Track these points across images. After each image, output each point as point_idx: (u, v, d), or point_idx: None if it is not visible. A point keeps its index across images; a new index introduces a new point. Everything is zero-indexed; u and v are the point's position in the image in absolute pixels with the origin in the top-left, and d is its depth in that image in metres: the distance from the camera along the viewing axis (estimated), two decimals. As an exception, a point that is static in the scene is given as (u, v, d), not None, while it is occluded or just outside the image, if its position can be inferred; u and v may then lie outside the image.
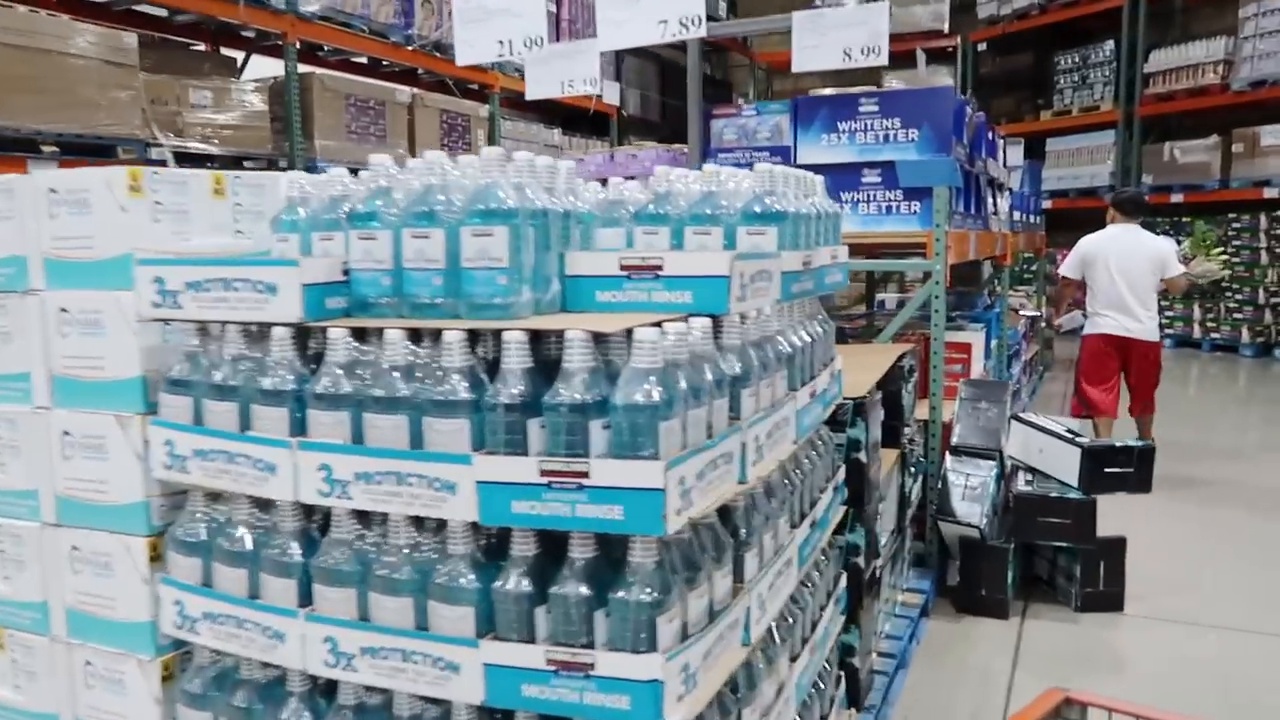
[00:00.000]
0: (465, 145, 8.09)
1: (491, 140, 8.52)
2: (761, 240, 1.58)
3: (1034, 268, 8.05)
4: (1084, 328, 5.42)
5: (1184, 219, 10.98)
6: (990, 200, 4.82)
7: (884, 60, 3.20)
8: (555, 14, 8.82)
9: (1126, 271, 5.16)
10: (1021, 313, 7.62)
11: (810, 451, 1.89)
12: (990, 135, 4.86)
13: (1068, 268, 5.46)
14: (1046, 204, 12.95)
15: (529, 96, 3.71)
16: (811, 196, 1.92)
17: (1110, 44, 12.03)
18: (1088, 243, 5.37)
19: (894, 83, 11.69)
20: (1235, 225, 10.38)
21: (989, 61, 13.56)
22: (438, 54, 7.87)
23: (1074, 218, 13.35)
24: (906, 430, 3.00)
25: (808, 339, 1.77)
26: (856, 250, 4.44)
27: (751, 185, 1.67)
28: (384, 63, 7.90)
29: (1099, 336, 5.26)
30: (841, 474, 2.18)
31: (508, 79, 8.88)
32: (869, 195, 3.37)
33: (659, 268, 1.33)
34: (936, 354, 3.28)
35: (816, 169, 3.59)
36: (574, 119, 10.71)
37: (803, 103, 3.46)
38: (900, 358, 2.90)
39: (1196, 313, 10.70)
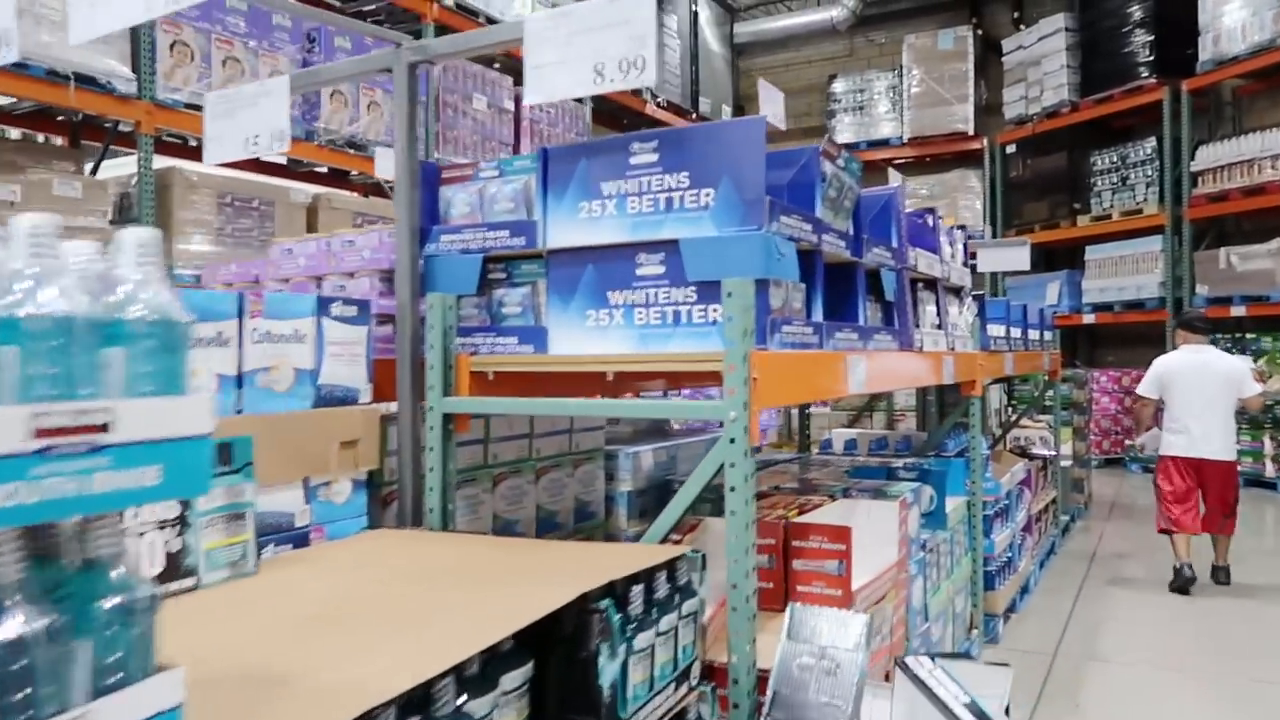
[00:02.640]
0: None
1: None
2: None
3: (1052, 393, 6.55)
4: (1161, 448, 5.47)
5: (1248, 335, 9.40)
6: (933, 310, 3.49)
7: (650, 80, 1.98)
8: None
9: (1202, 391, 5.27)
10: (1033, 450, 6.13)
11: None
12: (932, 223, 3.57)
13: (1144, 388, 5.59)
14: (1090, 318, 11.48)
15: (206, 160, 2.59)
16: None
17: (1151, 141, 10.72)
18: (1163, 363, 5.53)
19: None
20: (1309, 343, 8.78)
21: (1019, 164, 12.33)
22: (351, 151, 6.92)
23: (1121, 334, 11.83)
24: None
25: None
26: (642, 379, 3.22)
27: None
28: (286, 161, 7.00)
29: (1177, 458, 5.35)
30: None
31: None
32: (649, 295, 2.11)
33: None
34: (736, 555, 1.93)
35: (574, 257, 2.39)
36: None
37: (554, 155, 2.24)
38: (622, 585, 1.60)
39: (1268, 446, 8.99)
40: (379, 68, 2.53)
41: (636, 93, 10.32)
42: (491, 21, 7.93)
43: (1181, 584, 5.14)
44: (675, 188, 2.10)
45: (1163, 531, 5.36)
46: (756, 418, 1.92)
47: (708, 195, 2.06)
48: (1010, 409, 7.13)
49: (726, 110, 12.74)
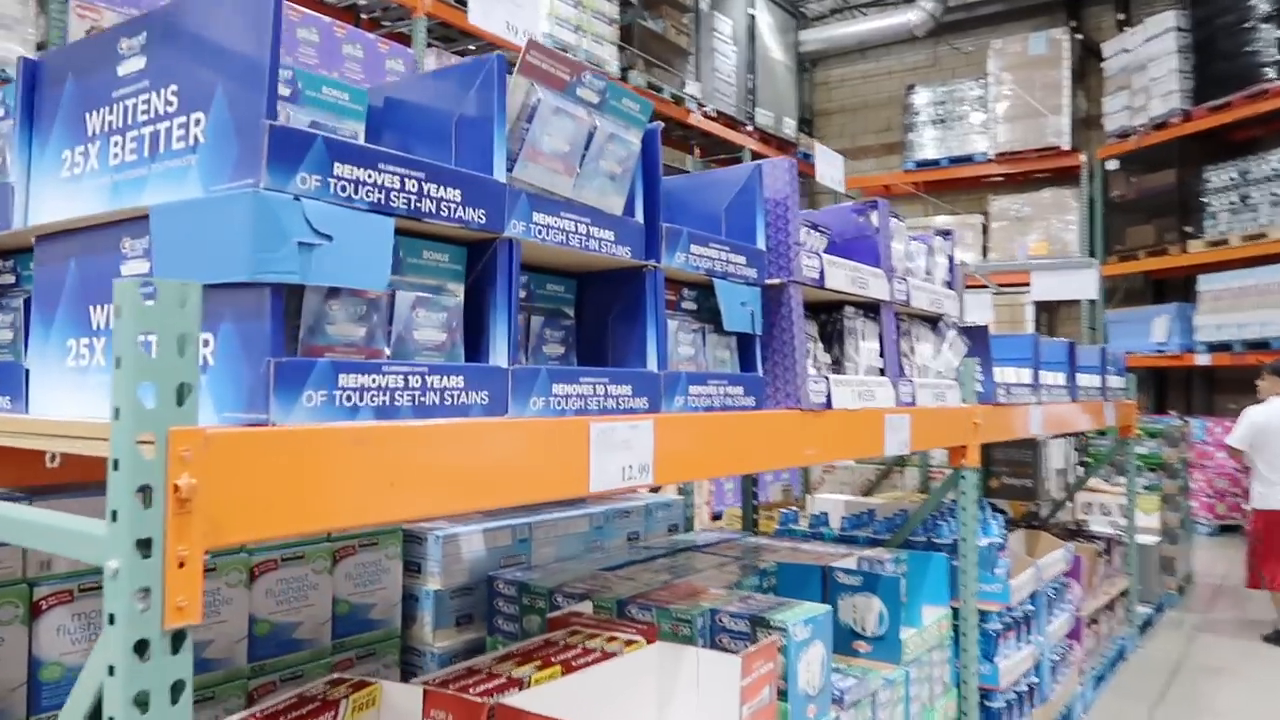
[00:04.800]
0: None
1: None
2: None
3: (1126, 452, 5.25)
4: (1254, 501, 5.41)
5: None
6: (872, 346, 2.40)
7: None
8: None
9: None
10: (1090, 528, 4.83)
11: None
12: (876, 222, 2.48)
13: (1237, 439, 5.53)
14: (1204, 359, 9.87)
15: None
16: None
17: (1278, 154, 9.14)
18: (1258, 412, 5.45)
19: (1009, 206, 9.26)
20: None
21: (1122, 183, 10.81)
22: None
23: (1243, 377, 10.12)
24: None
25: None
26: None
27: None
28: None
29: (1271, 511, 5.29)
30: None
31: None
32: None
33: None
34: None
35: (58, 247, 1.33)
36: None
37: (48, 67, 1.30)
38: None
39: None
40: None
41: (679, 100, 9.38)
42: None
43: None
44: (163, 115, 1.13)
45: (1253, 587, 5.44)
46: (193, 576, 0.92)
47: (197, 126, 1.09)
48: (1082, 470, 5.82)
49: (789, 123, 11.66)
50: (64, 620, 1.82)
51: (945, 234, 2.92)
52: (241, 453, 0.95)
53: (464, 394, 1.22)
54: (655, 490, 3.50)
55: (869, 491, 5.62)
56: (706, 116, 9.96)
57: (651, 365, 1.57)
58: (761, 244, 1.88)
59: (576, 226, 1.43)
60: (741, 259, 1.81)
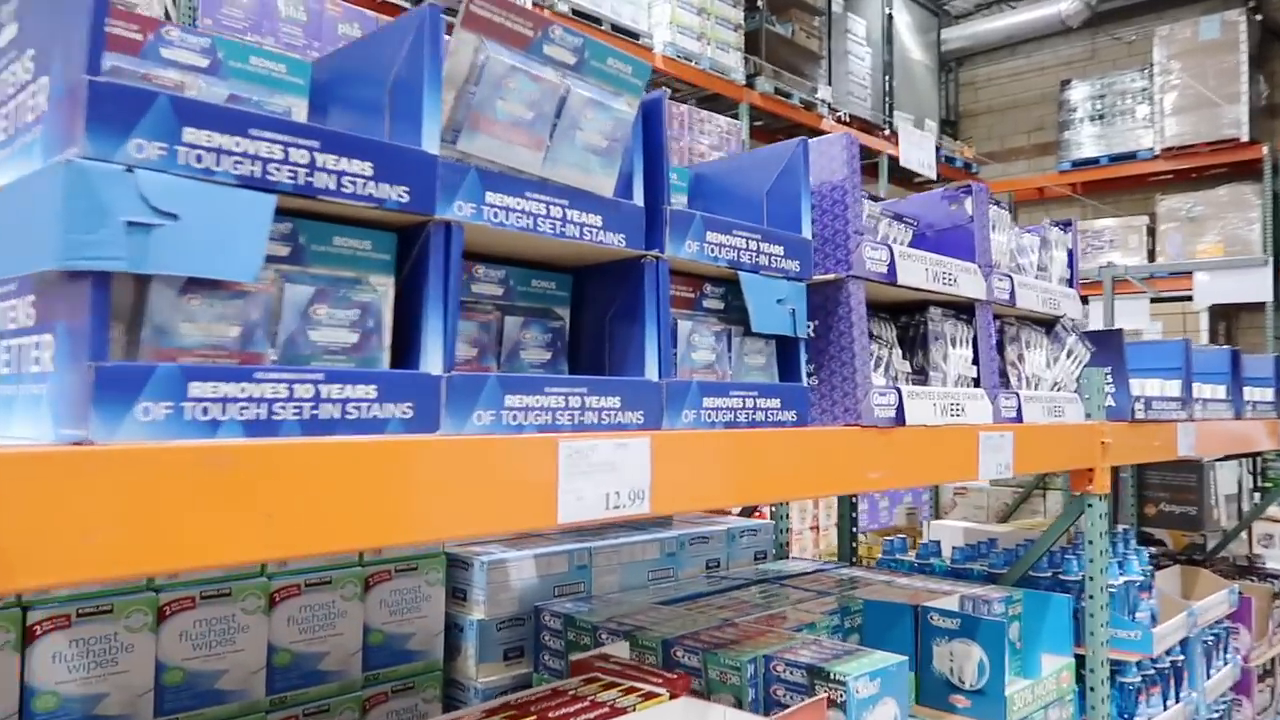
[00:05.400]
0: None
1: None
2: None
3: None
4: None
5: None
6: (962, 353, 2.07)
7: None
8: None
9: None
10: (1269, 564, 4.21)
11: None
12: (971, 210, 2.14)
13: None
14: None
15: None
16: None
17: None
18: None
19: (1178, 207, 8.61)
20: None
21: (1312, 176, 9.72)
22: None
23: None
24: None
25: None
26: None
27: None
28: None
29: None
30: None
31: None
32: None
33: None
34: None
35: None
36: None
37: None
38: None
39: None
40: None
41: (810, 106, 9.04)
42: (620, 30, 7.03)
43: None
44: (23, 84, 0.99)
45: None
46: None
47: (43, 93, 0.93)
48: (1258, 497, 5.13)
49: (930, 125, 11.08)
50: (60, 647, 1.73)
51: (1065, 225, 2.53)
52: (35, 478, 0.78)
53: (376, 407, 1.02)
54: (748, 513, 3.22)
55: (1005, 517, 5.13)
56: (840, 122, 9.56)
57: (650, 373, 1.33)
58: (807, 232, 1.61)
59: (548, 209, 1.21)
60: (778, 249, 1.55)
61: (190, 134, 0.89)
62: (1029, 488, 5.28)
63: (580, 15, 6.72)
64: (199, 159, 0.89)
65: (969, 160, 11.56)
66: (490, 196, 1.15)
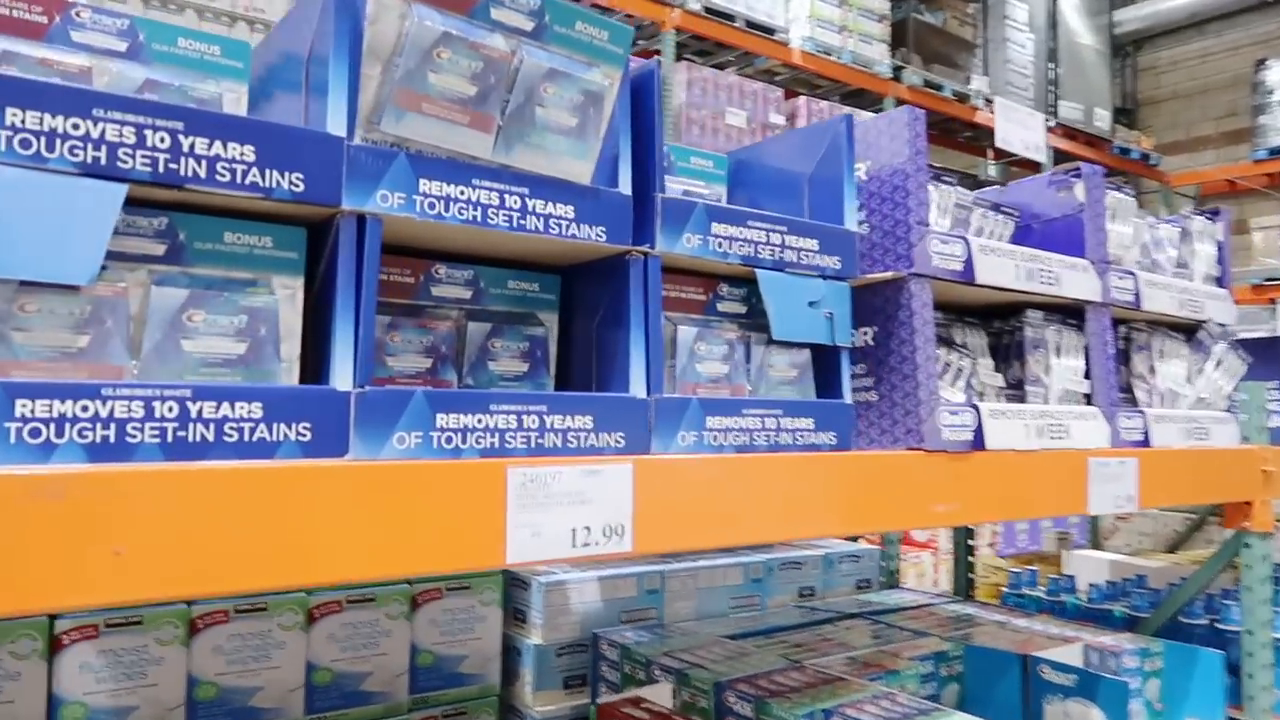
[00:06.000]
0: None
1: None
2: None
3: None
4: None
5: None
6: (1074, 364, 1.76)
7: None
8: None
9: None
10: None
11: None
12: (1082, 196, 1.83)
13: None
14: None
15: None
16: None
17: None
18: None
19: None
20: None
21: None
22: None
23: None
24: None
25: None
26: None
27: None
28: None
29: None
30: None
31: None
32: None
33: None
34: None
35: None
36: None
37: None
38: None
39: None
40: None
41: (963, 98, 8.53)
42: (755, 27, 6.81)
43: None
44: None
45: None
46: None
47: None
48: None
49: (1102, 115, 10.24)
50: (88, 657, 1.70)
51: (1212, 213, 2.15)
52: None
53: (263, 428, 0.88)
54: (852, 537, 2.95)
55: (1174, 547, 4.58)
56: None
57: (636, 388, 1.14)
58: (850, 223, 1.38)
59: (503, 199, 1.05)
60: (810, 243, 1.32)
61: (13, 115, 0.77)
62: (1203, 513, 4.70)
63: (713, 12, 6.53)
64: (26, 144, 0.78)
65: (1146, 151, 10.62)
66: (425, 185, 1.00)
